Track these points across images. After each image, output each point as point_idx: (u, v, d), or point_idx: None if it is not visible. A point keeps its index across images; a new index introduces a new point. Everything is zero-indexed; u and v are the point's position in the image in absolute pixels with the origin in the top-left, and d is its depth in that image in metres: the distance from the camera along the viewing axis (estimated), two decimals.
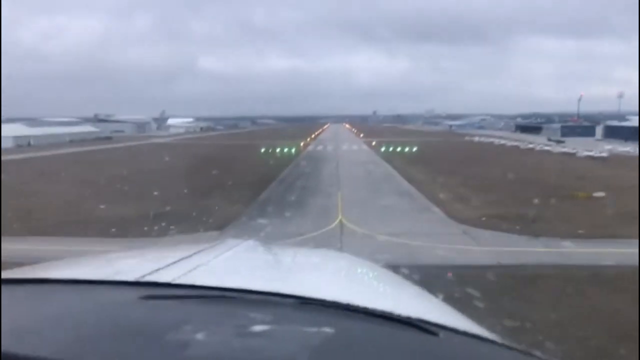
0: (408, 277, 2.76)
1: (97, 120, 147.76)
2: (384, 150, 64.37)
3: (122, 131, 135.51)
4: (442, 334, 1.22)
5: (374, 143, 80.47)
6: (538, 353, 1.30)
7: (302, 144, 77.94)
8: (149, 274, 1.64)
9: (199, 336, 1.03)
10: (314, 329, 1.10)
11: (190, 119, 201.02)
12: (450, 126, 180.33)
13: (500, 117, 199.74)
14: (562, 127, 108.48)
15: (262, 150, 64.11)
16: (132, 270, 1.76)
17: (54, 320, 1.16)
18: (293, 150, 64.65)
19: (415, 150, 64.67)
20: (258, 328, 1.09)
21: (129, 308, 1.27)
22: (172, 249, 2.74)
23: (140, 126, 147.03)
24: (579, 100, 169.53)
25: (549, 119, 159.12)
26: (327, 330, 1.10)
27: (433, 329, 1.23)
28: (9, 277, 1.62)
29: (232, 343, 1.03)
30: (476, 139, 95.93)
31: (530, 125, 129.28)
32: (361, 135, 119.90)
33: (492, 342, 1.33)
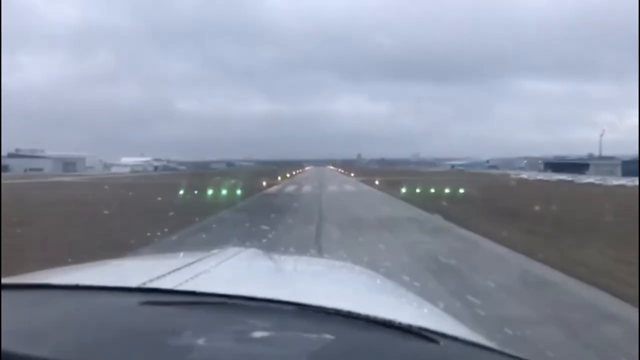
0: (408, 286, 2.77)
1: (16, 155, 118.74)
2: (406, 193, 34.79)
3: (40, 169, 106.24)
4: (442, 342, 1.21)
5: (377, 182, 51.20)
6: None
7: (264, 183, 48.26)
8: (151, 280, 1.63)
9: (200, 341, 1.03)
10: (314, 336, 1.10)
11: (148, 158, 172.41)
12: (453, 166, 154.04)
13: (459, 165, 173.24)
14: (624, 163, 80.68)
15: (181, 192, 34.21)
16: (134, 276, 1.75)
17: (54, 324, 1.17)
18: (238, 192, 34.63)
19: (466, 194, 35.17)
20: (258, 334, 1.09)
21: (130, 314, 1.28)
22: (174, 256, 2.83)
23: (69, 164, 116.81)
24: (601, 136, 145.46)
25: (562, 159, 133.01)
26: (327, 337, 1.10)
27: (434, 336, 1.22)
28: (10, 282, 1.60)
29: (232, 348, 1.04)
30: (523, 176, 67.57)
31: (569, 163, 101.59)
32: (352, 174, 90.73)
33: (493, 350, 1.32)
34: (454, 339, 1.28)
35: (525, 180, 61.32)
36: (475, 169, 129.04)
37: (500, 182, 57.09)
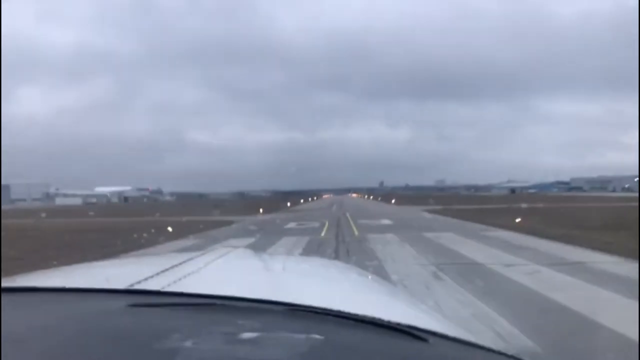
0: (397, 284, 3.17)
1: None
2: None
3: None
4: (432, 340, 1.21)
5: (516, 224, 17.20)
6: (528, 359, 1.25)
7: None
8: (139, 282, 1.63)
9: (188, 344, 1.01)
10: (304, 336, 1.09)
11: (128, 187, 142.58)
12: (513, 190, 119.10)
13: (523, 187, 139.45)
14: None
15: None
16: (121, 278, 1.73)
17: (41, 328, 1.15)
18: None
19: None
20: (247, 335, 1.08)
21: (117, 316, 1.26)
22: (163, 256, 2.73)
23: None
24: None
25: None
26: (317, 337, 1.09)
27: (423, 335, 1.22)
28: None
29: (221, 350, 1.02)
30: None
31: None
32: (392, 200, 56.39)
33: (482, 348, 1.32)
34: (444, 337, 1.27)
35: None
36: (546, 192, 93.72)
37: None
